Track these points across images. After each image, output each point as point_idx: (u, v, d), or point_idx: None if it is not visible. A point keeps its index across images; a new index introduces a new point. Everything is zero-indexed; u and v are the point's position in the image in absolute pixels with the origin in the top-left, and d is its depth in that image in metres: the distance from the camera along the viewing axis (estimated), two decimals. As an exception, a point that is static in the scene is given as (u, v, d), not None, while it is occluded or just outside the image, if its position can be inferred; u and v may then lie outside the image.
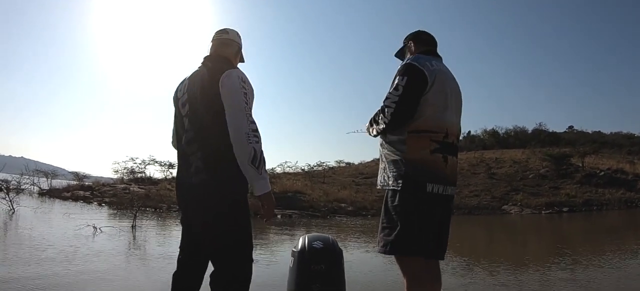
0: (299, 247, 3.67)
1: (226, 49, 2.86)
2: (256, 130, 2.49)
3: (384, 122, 2.89)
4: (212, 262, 2.64)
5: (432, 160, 2.86)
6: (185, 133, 2.71)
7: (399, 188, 2.84)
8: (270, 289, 5.42)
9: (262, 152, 2.48)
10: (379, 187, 3.08)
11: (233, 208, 2.57)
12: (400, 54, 3.36)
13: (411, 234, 2.83)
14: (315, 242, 3.67)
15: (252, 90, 2.63)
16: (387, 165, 2.96)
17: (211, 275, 2.61)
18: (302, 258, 3.59)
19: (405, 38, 3.28)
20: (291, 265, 3.68)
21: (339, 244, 3.87)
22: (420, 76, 2.83)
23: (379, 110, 2.97)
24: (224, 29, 2.92)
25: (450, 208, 3.07)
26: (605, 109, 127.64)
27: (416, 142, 2.85)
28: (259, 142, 2.47)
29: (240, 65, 2.99)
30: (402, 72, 2.88)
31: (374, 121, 3.05)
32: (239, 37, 2.95)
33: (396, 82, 2.86)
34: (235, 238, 2.58)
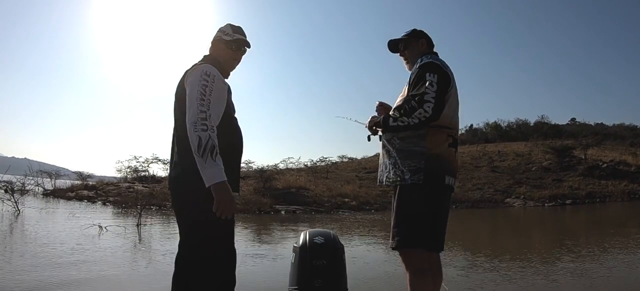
0: (301, 243, 3.69)
1: (209, 48, 2.95)
2: (205, 119, 2.46)
3: (424, 117, 2.83)
4: (186, 259, 2.67)
5: (449, 153, 2.99)
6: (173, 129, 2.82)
7: (420, 182, 2.88)
8: (274, 284, 5.47)
9: (209, 139, 2.42)
10: (386, 183, 3.08)
11: (205, 203, 2.49)
12: (395, 44, 3.36)
13: (428, 227, 2.92)
14: (317, 237, 3.68)
15: (222, 86, 2.68)
16: (399, 160, 2.98)
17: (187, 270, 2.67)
18: (304, 253, 3.60)
19: (413, 34, 3.28)
20: (293, 261, 3.70)
21: (342, 239, 3.91)
22: (446, 76, 2.94)
23: (411, 105, 2.88)
24: None
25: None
26: (608, 101, 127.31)
27: (436, 136, 2.93)
28: (206, 130, 2.44)
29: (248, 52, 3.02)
30: (430, 70, 2.91)
31: (405, 113, 2.90)
32: (218, 31, 2.95)
33: (428, 78, 2.87)
34: (205, 235, 2.59)
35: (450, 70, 3.01)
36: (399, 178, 2.97)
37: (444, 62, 3.06)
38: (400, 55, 3.35)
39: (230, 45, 2.91)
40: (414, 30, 3.29)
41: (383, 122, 3.05)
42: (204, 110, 2.49)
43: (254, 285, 5.42)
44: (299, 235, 3.80)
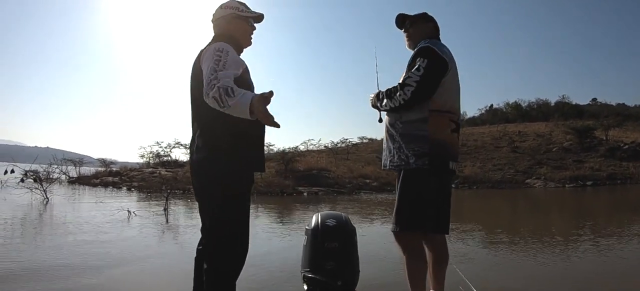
0: (312, 225, 3.69)
1: (216, 28, 2.87)
2: (212, 80, 2.33)
3: (402, 99, 2.96)
4: (204, 244, 2.74)
5: (452, 138, 3.08)
6: (191, 113, 2.77)
7: (426, 167, 2.97)
8: (289, 266, 5.42)
9: (219, 88, 2.26)
10: (391, 167, 3.16)
11: (227, 190, 2.60)
12: (403, 20, 3.37)
13: (432, 211, 3.02)
14: (329, 220, 3.68)
15: (234, 59, 2.55)
16: (403, 144, 3.05)
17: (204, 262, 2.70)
18: (316, 236, 3.61)
19: (424, 16, 3.30)
20: (305, 243, 3.71)
21: (360, 220, 3.89)
22: (442, 61, 3.00)
23: (396, 87, 3.04)
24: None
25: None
26: (629, 81, 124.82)
27: (439, 121, 3.01)
28: (215, 86, 2.29)
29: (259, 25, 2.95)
30: (423, 55, 3.00)
31: (387, 95, 3.11)
32: (224, 8, 2.85)
33: (418, 63, 2.97)
34: (224, 223, 2.63)
35: (448, 56, 3.06)
36: (403, 162, 3.05)
37: (444, 47, 3.11)
38: (405, 31, 3.36)
39: (248, 21, 2.87)
40: (426, 13, 3.32)
41: (379, 98, 3.21)
42: (214, 75, 2.36)
43: (269, 266, 5.55)
44: (311, 218, 3.81)
